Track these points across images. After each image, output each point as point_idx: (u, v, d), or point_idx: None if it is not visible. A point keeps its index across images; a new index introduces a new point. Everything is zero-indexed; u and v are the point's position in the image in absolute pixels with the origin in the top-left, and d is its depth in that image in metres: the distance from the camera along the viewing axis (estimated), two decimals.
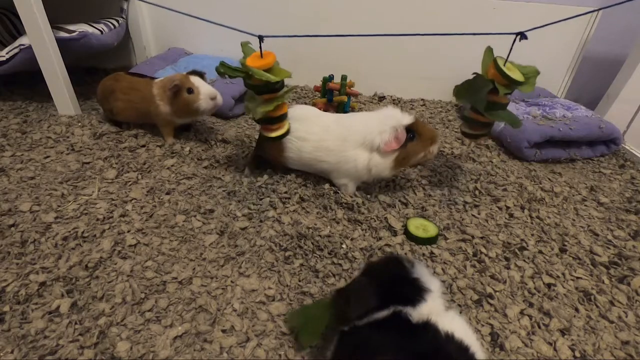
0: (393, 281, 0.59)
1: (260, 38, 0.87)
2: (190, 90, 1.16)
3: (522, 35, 0.88)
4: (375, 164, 0.98)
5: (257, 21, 1.72)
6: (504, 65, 0.91)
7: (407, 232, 0.94)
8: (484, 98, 0.94)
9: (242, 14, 1.71)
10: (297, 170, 1.12)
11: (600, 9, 0.98)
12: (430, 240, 0.92)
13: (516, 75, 0.90)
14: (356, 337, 0.55)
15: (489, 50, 0.95)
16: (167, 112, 1.20)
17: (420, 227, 0.95)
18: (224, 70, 0.90)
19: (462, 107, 1.05)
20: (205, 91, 1.17)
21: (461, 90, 0.99)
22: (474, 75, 0.97)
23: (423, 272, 0.59)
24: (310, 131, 1.03)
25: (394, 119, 0.96)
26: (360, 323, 0.56)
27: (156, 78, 1.28)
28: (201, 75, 1.22)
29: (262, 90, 0.91)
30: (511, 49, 0.90)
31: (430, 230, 0.94)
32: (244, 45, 0.91)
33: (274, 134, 0.98)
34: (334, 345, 0.59)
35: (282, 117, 0.98)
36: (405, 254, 0.90)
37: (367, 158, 0.99)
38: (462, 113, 1.03)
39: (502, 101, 0.95)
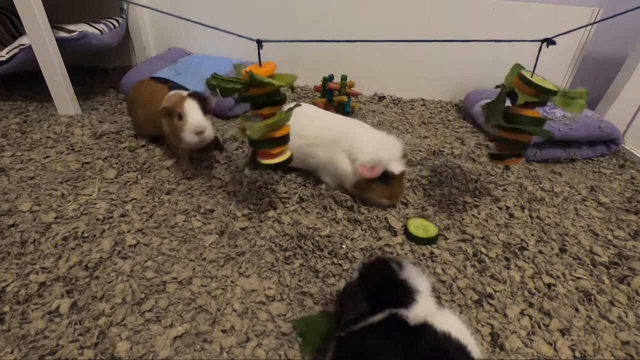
0: (382, 284, 0.59)
1: (259, 43, 0.80)
2: (180, 117, 1.01)
3: (549, 41, 0.82)
4: (346, 174, 1.01)
5: (257, 22, 1.72)
6: (531, 76, 0.84)
7: (407, 232, 0.94)
8: (502, 106, 0.87)
9: (241, 14, 1.71)
10: (297, 169, 1.12)
11: (603, 18, 0.97)
12: (431, 240, 0.92)
13: (547, 84, 0.83)
14: (353, 342, 0.55)
15: (517, 65, 0.88)
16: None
17: (421, 227, 0.95)
18: (217, 82, 0.79)
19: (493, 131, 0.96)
20: (193, 123, 0.99)
21: (488, 111, 0.91)
22: (500, 93, 0.89)
23: (411, 273, 0.58)
24: (308, 128, 1.05)
25: (388, 155, 0.96)
26: (356, 328, 0.56)
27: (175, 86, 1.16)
28: (203, 100, 1.03)
29: (263, 103, 0.81)
30: (538, 56, 0.84)
31: (431, 230, 0.94)
32: (237, 66, 0.82)
33: (274, 161, 0.85)
34: (332, 351, 0.59)
35: (285, 139, 0.85)
36: (405, 254, 0.90)
37: (346, 165, 1.00)
38: (490, 133, 0.95)
39: (522, 112, 0.85)
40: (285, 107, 0.86)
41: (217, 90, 0.80)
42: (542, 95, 0.83)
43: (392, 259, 0.62)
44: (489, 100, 0.92)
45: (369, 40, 0.99)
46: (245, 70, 0.78)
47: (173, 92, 1.08)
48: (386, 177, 0.97)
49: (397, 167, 0.96)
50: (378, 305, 0.56)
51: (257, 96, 0.80)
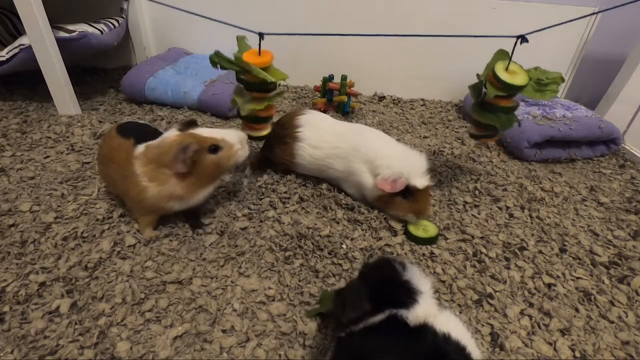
0: (384, 284, 0.59)
1: (261, 35, 0.86)
2: (214, 149, 0.82)
3: (522, 39, 0.88)
4: (367, 187, 0.98)
5: (257, 21, 1.71)
6: (507, 68, 0.90)
7: (407, 232, 0.94)
8: (479, 93, 0.98)
9: (242, 13, 1.71)
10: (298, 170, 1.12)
11: (600, 10, 0.98)
12: (430, 240, 0.92)
13: (515, 80, 0.88)
14: (353, 343, 0.55)
15: (500, 51, 0.92)
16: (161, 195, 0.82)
17: (420, 226, 0.95)
18: (218, 60, 0.87)
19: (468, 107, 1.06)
20: (236, 138, 0.84)
21: (472, 88, 1.01)
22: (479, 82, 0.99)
23: (414, 274, 0.58)
24: (323, 139, 1.03)
25: (411, 169, 0.92)
26: (356, 328, 0.55)
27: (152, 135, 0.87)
28: (194, 122, 0.86)
29: (254, 88, 0.90)
30: (512, 52, 0.90)
31: (430, 230, 0.94)
32: (240, 40, 0.89)
33: (257, 134, 0.98)
34: (332, 352, 0.58)
35: (269, 119, 0.98)
36: (405, 254, 0.90)
37: (367, 178, 0.97)
38: (467, 111, 1.06)
39: (494, 103, 0.94)
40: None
41: (218, 65, 0.88)
42: (510, 90, 0.90)
43: (396, 259, 0.62)
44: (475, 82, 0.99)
45: (368, 35, 1.00)
46: (244, 59, 0.85)
47: (153, 142, 0.82)
48: (410, 192, 0.93)
49: (421, 182, 0.92)
50: (379, 305, 0.55)
51: (251, 82, 0.89)
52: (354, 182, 1.02)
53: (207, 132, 0.83)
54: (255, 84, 0.89)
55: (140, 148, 0.82)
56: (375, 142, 1.00)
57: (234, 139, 0.84)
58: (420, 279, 0.58)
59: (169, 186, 0.80)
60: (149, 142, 0.83)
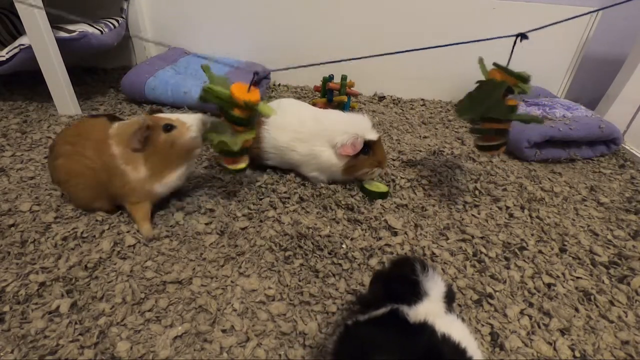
0: (396, 279, 0.61)
1: (255, 74, 0.84)
2: (168, 128, 0.85)
3: (522, 36, 0.87)
4: (332, 163, 1.04)
5: (257, 21, 1.72)
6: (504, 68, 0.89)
7: (362, 189, 1.08)
8: (501, 101, 0.88)
9: (242, 13, 1.71)
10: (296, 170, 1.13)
11: (600, 9, 0.98)
12: (382, 195, 1.06)
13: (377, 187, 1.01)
14: (356, 332, 0.56)
15: (481, 60, 0.94)
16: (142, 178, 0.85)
17: (374, 185, 1.09)
18: (209, 98, 0.84)
19: (473, 123, 0.99)
20: (192, 119, 0.88)
21: (464, 105, 0.95)
22: (478, 83, 0.94)
23: (429, 277, 0.59)
24: (287, 122, 1.06)
25: (361, 128, 1.02)
26: (362, 318, 0.57)
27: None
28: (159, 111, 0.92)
29: (242, 123, 0.87)
30: (512, 50, 0.89)
31: (382, 187, 1.08)
32: (206, 69, 0.86)
33: (239, 166, 0.93)
34: (336, 337, 0.59)
35: (247, 151, 0.93)
36: (405, 253, 0.90)
37: (329, 155, 1.04)
38: (473, 127, 0.98)
39: (515, 103, 0.90)
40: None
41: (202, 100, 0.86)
42: (520, 84, 0.88)
43: (419, 259, 0.63)
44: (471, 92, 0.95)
45: (367, 57, 0.99)
46: (210, 87, 0.84)
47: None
48: (368, 146, 1.04)
49: (374, 135, 1.03)
50: (386, 299, 0.57)
51: (237, 117, 0.86)
52: (317, 163, 1.06)
53: (166, 115, 0.88)
54: (243, 119, 0.86)
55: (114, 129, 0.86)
56: (326, 119, 1.07)
57: (188, 120, 0.87)
58: (433, 282, 0.58)
59: (140, 168, 0.84)
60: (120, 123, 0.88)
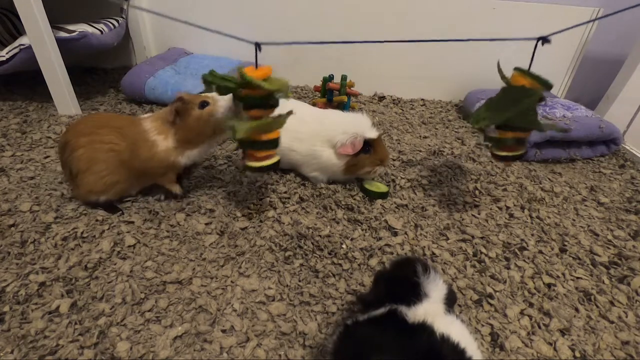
0: (396, 280, 0.61)
1: (257, 46, 0.77)
2: (203, 104, 0.89)
3: (544, 40, 0.80)
4: (332, 163, 1.04)
5: (257, 21, 1.72)
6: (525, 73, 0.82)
7: (363, 189, 1.08)
8: (533, 109, 0.82)
9: (241, 13, 1.71)
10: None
11: (599, 17, 0.98)
12: (382, 195, 1.06)
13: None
14: (355, 331, 0.56)
15: (498, 64, 0.86)
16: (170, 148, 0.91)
17: (374, 185, 1.09)
18: (212, 79, 0.78)
19: (486, 131, 0.93)
20: (222, 99, 0.89)
21: (482, 112, 0.86)
22: (503, 89, 0.85)
23: (431, 278, 0.59)
24: (287, 122, 1.04)
25: (361, 127, 1.02)
26: (361, 318, 0.57)
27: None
28: None
29: (253, 104, 0.79)
30: (533, 54, 0.82)
31: (382, 187, 1.08)
32: (239, 69, 0.77)
33: (259, 164, 0.82)
34: (336, 337, 0.59)
35: (271, 144, 0.82)
36: (405, 253, 0.90)
37: (329, 155, 1.04)
38: (488, 135, 0.92)
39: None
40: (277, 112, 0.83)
41: (213, 87, 0.79)
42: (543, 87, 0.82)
43: (422, 260, 0.63)
44: (491, 97, 0.87)
45: (367, 42, 0.98)
46: (240, 70, 0.76)
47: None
48: (369, 145, 1.04)
49: (374, 133, 1.03)
50: (385, 299, 0.57)
51: (248, 97, 0.78)
52: (318, 163, 1.06)
53: (205, 94, 0.92)
54: (253, 98, 0.78)
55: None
56: (326, 119, 1.07)
57: (220, 98, 0.90)
58: (434, 284, 0.58)
59: (170, 139, 0.91)
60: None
